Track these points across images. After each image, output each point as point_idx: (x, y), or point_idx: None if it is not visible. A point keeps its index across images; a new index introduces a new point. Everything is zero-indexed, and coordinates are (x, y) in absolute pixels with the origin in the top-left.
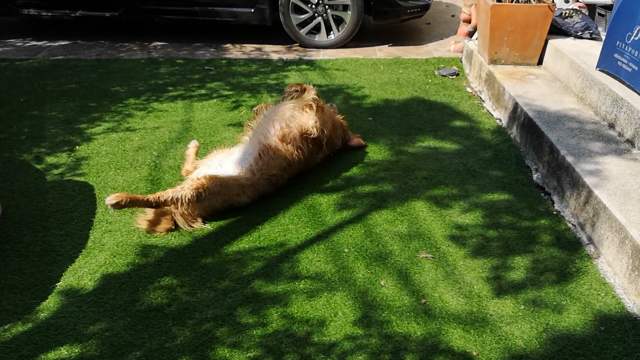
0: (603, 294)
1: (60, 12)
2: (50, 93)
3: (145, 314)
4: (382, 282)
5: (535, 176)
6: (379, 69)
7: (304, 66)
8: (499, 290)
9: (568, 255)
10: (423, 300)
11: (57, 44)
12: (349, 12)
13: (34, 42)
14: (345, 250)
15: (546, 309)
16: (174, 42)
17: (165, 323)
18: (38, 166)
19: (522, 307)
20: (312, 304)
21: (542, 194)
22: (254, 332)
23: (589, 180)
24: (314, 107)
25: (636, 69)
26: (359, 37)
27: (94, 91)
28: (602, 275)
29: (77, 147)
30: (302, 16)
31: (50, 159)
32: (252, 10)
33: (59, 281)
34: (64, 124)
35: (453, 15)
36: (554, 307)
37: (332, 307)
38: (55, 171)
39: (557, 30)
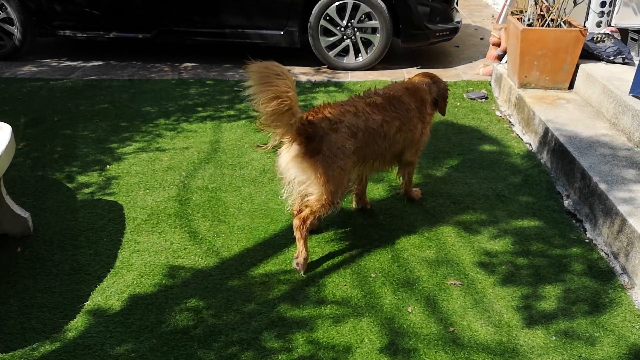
0: (638, 326)
1: (95, 34)
2: (83, 112)
3: (171, 336)
4: (409, 309)
5: (566, 203)
6: None
7: (332, 88)
8: (530, 320)
9: (601, 285)
10: (451, 329)
11: (90, 64)
12: (377, 34)
13: (69, 63)
14: (372, 275)
15: (578, 340)
16: (204, 63)
17: (191, 345)
18: (69, 185)
19: (554, 338)
20: (338, 330)
21: (574, 221)
22: (279, 357)
23: (622, 209)
24: None
25: None
26: (387, 60)
27: (126, 111)
28: (636, 307)
29: (108, 166)
30: (331, 39)
31: (81, 178)
32: (282, 33)
33: (87, 300)
34: (95, 143)
35: (482, 38)
36: (586, 338)
37: (358, 334)
38: (86, 190)
39: (589, 54)
